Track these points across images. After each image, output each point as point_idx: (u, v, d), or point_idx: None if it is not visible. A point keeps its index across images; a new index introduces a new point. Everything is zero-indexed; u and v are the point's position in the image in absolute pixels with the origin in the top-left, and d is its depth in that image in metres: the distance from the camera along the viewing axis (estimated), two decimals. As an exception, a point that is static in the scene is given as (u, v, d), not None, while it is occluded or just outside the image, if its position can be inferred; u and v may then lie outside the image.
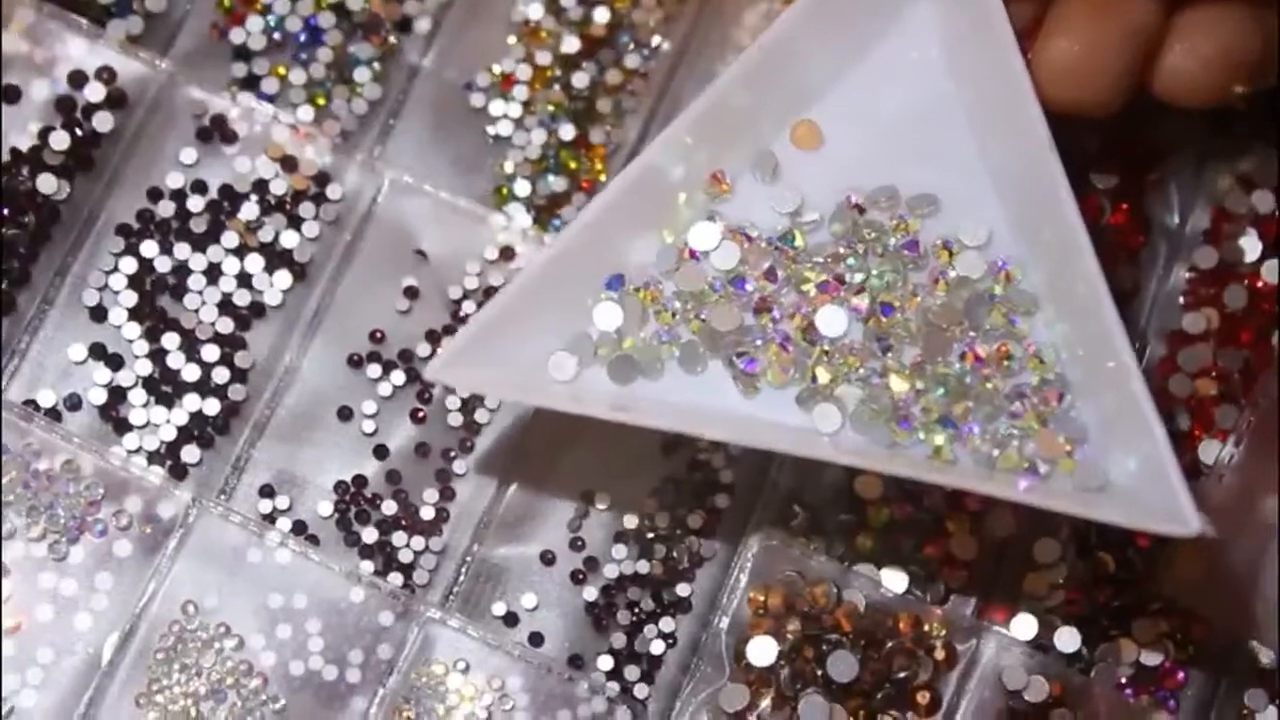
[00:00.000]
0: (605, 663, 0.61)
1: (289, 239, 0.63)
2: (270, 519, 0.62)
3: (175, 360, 0.62)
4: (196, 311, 0.62)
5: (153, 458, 0.61)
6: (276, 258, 0.63)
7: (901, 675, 0.60)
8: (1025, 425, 0.54)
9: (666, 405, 0.56)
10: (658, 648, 0.61)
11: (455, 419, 0.63)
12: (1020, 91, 0.53)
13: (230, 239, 0.63)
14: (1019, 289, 0.55)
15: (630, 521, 0.62)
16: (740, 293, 0.56)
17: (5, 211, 0.62)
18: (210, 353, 0.62)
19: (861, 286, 0.56)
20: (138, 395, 0.62)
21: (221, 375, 0.62)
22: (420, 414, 0.63)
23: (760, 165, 0.57)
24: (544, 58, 0.66)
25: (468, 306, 0.63)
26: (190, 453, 0.62)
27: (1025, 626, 0.61)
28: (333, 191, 0.64)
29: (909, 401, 0.55)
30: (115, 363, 0.62)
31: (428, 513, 0.62)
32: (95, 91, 0.63)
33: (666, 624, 0.62)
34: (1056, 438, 0.54)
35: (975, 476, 0.53)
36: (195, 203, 0.63)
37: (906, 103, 0.56)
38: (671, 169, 0.56)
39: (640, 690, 0.61)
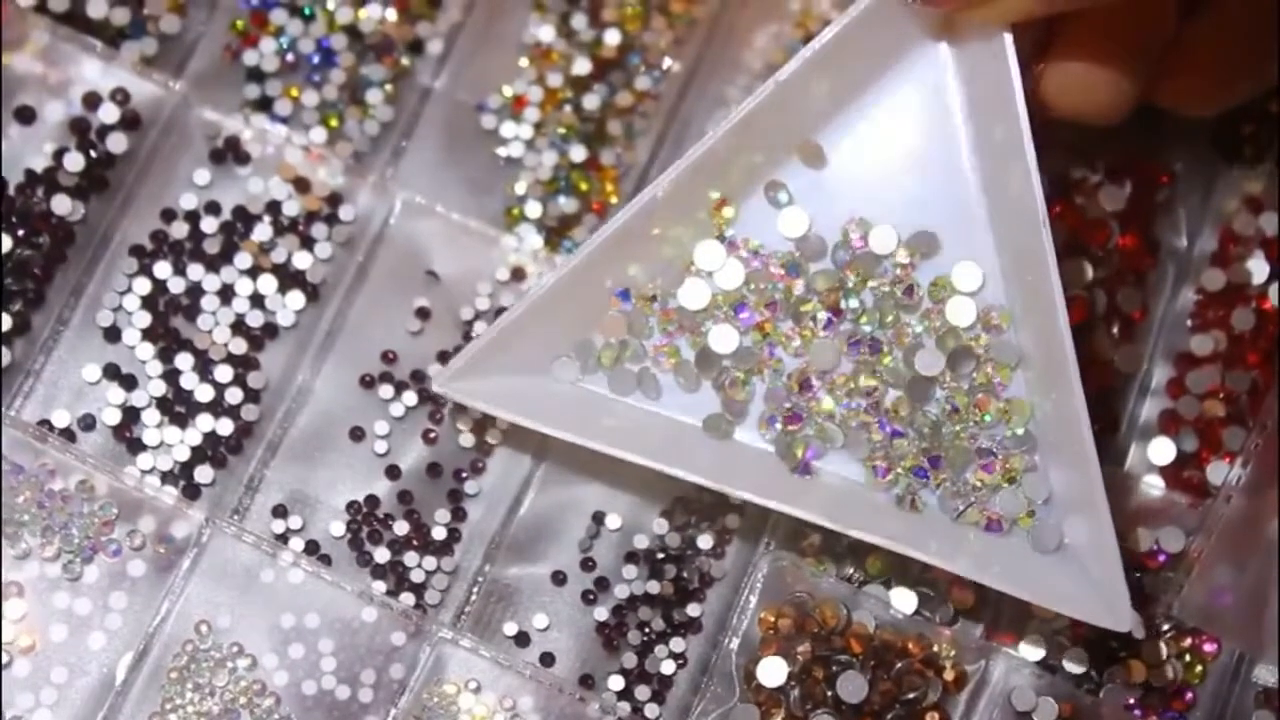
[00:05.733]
0: (616, 683, 0.61)
1: (301, 260, 0.64)
2: (283, 539, 0.62)
3: (189, 381, 0.62)
4: (210, 332, 0.63)
5: (166, 478, 0.62)
6: (289, 278, 0.64)
7: (911, 696, 0.60)
8: (993, 480, 0.55)
9: (655, 426, 0.56)
10: (668, 668, 0.62)
11: (467, 440, 0.63)
12: (1023, 159, 0.52)
13: (243, 260, 0.63)
14: (1004, 340, 0.56)
15: (641, 542, 0.63)
16: (739, 316, 0.57)
17: (20, 232, 0.62)
18: (223, 373, 0.63)
19: (856, 321, 0.56)
20: (151, 415, 0.62)
21: (235, 396, 0.62)
22: (432, 434, 0.63)
23: (771, 192, 0.57)
24: (555, 80, 0.66)
25: (479, 327, 0.64)
26: (203, 473, 0.62)
27: (1034, 648, 0.61)
28: (345, 213, 0.64)
29: (885, 445, 0.55)
30: (129, 383, 0.62)
31: (439, 533, 0.62)
32: (109, 113, 0.64)
33: (677, 644, 0.62)
34: (1020, 496, 0.55)
35: (929, 540, 0.54)
36: (209, 224, 0.64)
37: (917, 142, 0.56)
38: (685, 194, 0.56)
39: (651, 710, 0.61)
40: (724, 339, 0.57)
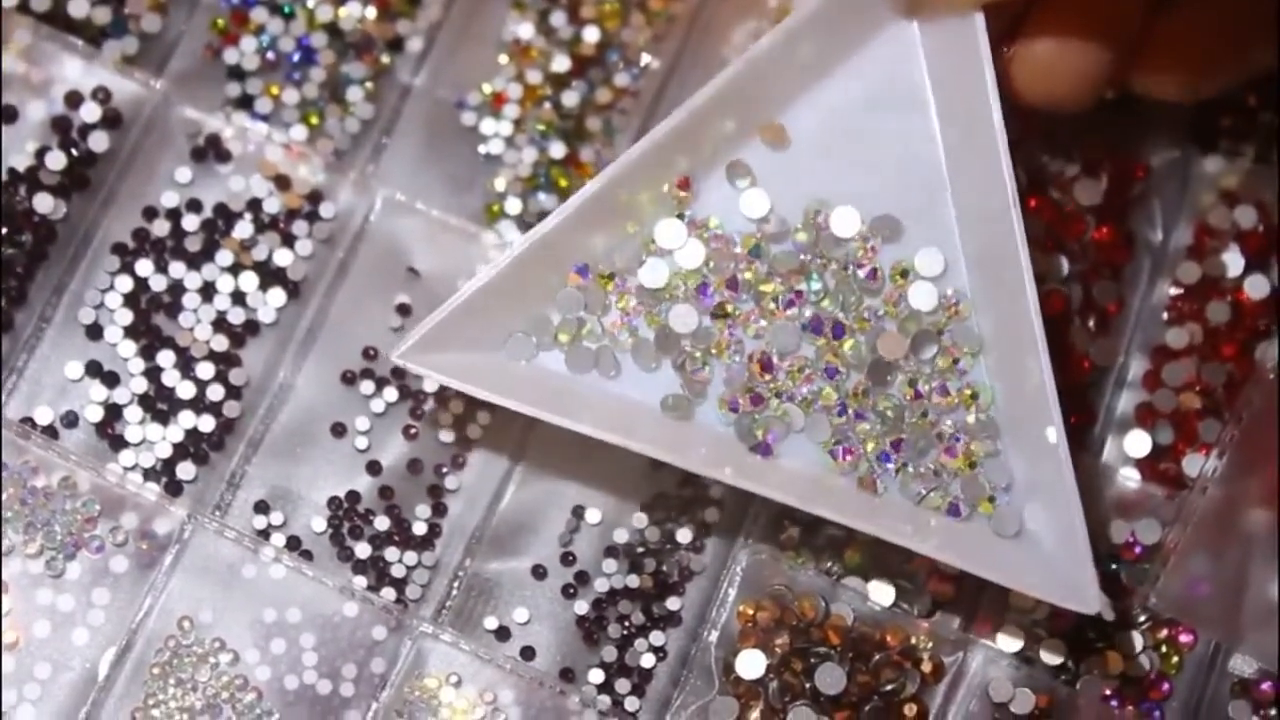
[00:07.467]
0: (596, 676, 0.62)
1: (283, 257, 0.64)
2: (265, 534, 0.62)
3: (170, 378, 0.63)
4: (191, 329, 0.63)
5: (149, 474, 0.62)
6: (270, 276, 0.64)
7: (889, 688, 0.60)
8: (955, 465, 0.55)
9: (613, 405, 0.56)
10: (648, 661, 0.62)
11: (447, 435, 0.63)
12: (992, 141, 0.53)
13: (225, 257, 0.64)
14: (965, 326, 0.56)
15: (621, 536, 0.63)
16: (701, 296, 0.57)
17: (3, 231, 0.63)
18: (205, 370, 0.63)
19: (817, 304, 0.56)
20: (134, 412, 0.62)
21: (216, 392, 0.63)
22: (412, 430, 0.63)
23: (733, 172, 0.57)
24: (535, 76, 0.67)
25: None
26: (185, 469, 0.62)
27: (1011, 639, 0.62)
28: (326, 210, 0.65)
29: (846, 429, 0.56)
30: (111, 380, 0.63)
31: (420, 528, 0.63)
32: (91, 111, 0.64)
33: (657, 637, 0.62)
34: (981, 481, 0.55)
35: (892, 522, 0.54)
36: (190, 221, 0.64)
37: (883, 124, 0.57)
38: (648, 172, 0.56)
39: (631, 703, 0.62)
40: (684, 319, 0.56)
